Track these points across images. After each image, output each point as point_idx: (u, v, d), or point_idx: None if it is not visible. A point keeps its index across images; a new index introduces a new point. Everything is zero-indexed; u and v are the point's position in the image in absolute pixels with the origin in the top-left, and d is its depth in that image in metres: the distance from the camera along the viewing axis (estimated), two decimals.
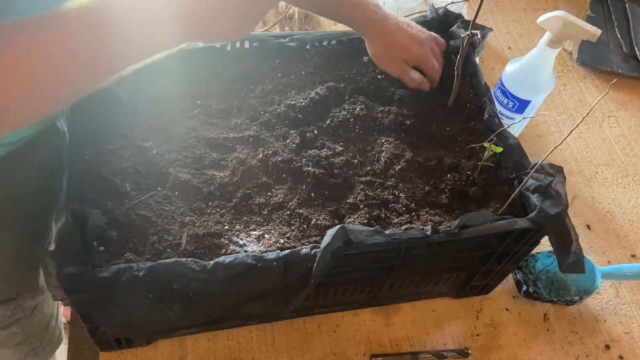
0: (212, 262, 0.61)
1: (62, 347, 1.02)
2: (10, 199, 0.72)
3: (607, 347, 0.85)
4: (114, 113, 0.76)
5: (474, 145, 0.81)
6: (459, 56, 0.80)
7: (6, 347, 0.88)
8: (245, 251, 0.68)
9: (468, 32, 0.77)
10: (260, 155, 0.77)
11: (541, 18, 0.84)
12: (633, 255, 0.95)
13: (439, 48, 0.87)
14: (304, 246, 0.65)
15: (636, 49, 1.20)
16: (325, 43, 0.91)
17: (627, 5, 1.28)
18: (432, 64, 0.85)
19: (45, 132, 0.72)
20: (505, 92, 0.93)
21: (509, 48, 1.21)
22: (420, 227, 0.70)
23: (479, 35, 0.81)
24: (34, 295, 0.85)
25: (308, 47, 0.90)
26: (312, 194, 0.74)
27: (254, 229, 0.71)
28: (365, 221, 0.71)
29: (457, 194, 0.77)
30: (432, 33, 0.88)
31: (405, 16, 1.11)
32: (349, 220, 0.72)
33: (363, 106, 0.83)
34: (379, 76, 0.88)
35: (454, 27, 0.91)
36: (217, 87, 0.84)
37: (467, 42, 0.78)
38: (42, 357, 0.96)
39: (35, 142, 0.71)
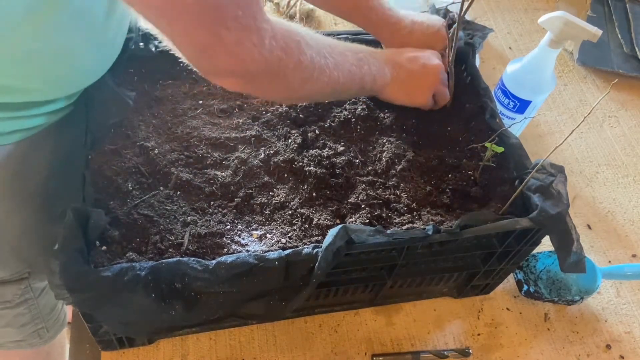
0: (214, 262, 0.61)
1: (64, 330, 1.02)
2: (27, 180, 0.72)
3: (608, 346, 0.85)
4: (116, 113, 0.76)
5: (475, 145, 0.81)
6: (448, 53, 0.81)
7: (11, 327, 0.88)
8: (247, 251, 0.68)
9: (453, 27, 0.78)
10: (262, 155, 0.77)
11: (542, 18, 0.84)
12: (634, 255, 0.95)
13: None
14: (305, 246, 0.65)
15: (637, 49, 1.20)
16: None
17: (627, 5, 1.28)
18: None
19: (65, 120, 0.72)
20: (506, 92, 0.93)
21: (510, 48, 1.22)
22: (422, 226, 0.71)
23: (465, 31, 0.82)
24: (43, 278, 0.85)
25: None
26: (314, 194, 0.74)
27: (256, 229, 0.71)
28: (367, 221, 0.71)
29: (458, 194, 0.77)
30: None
31: None
32: (351, 220, 0.72)
33: (364, 106, 0.83)
34: None
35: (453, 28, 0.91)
36: (219, 86, 0.84)
37: (454, 39, 0.80)
38: (45, 339, 0.95)
39: (55, 129, 0.72)
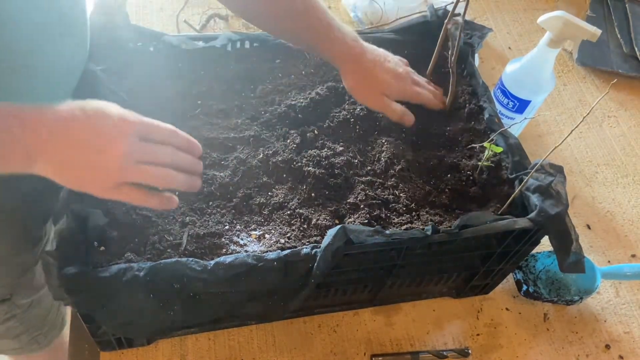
0: (212, 262, 0.61)
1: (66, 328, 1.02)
2: (5, 210, 0.72)
3: (607, 346, 0.85)
4: None
5: (474, 145, 0.81)
6: (451, 54, 0.81)
7: (6, 339, 0.89)
8: (246, 251, 0.68)
9: (446, 23, 0.78)
10: (261, 155, 0.77)
11: (541, 18, 0.84)
12: (633, 255, 0.95)
13: (418, 79, 0.85)
14: (304, 246, 0.65)
15: (636, 49, 1.20)
16: None
17: (627, 5, 1.28)
18: (417, 93, 0.82)
19: None
20: (505, 92, 0.93)
21: (509, 48, 1.21)
22: (421, 227, 0.71)
23: (460, 23, 0.81)
24: (29, 295, 0.85)
25: None
26: (313, 194, 0.74)
27: (255, 229, 0.71)
28: (366, 221, 0.71)
29: (457, 194, 0.77)
30: (409, 68, 0.85)
31: (405, 16, 1.11)
32: (350, 220, 0.72)
33: (363, 106, 0.83)
34: None
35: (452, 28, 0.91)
36: (218, 87, 0.84)
37: (458, 38, 0.79)
38: (43, 345, 0.96)
39: None
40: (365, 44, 0.81)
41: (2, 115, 0.51)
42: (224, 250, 0.68)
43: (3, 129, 0.51)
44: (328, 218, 0.72)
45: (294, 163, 0.76)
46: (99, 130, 0.54)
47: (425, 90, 0.83)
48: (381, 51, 0.82)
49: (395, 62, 0.83)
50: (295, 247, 0.67)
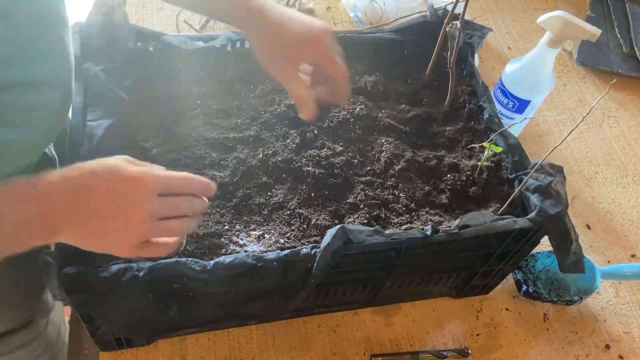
0: (212, 262, 0.61)
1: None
2: None
3: (607, 346, 0.85)
4: (114, 113, 0.76)
5: (474, 145, 0.81)
6: (450, 54, 0.80)
7: None
8: (246, 251, 0.68)
9: (446, 24, 0.77)
10: (261, 155, 0.77)
11: (541, 18, 0.84)
12: (633, 255, 0.95)
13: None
14: (304, 246, 0.65)
15: (636, 49, 1.20)
16: None
17: (627, 5, 1.28)
18: (333, 61, 0.68)
19: (37, 163, 0.69)
20: (505, 92, 0.93)
21: (509, 48, 1.21)
22: (420, 227, 0.71)
23: (459, 26, 0.81)
24: (46, 314, 0.86)
25: None
26: (312, 194, 0.74)
27: (254, 229, 0.71)
28: (365, 221, 0.71)
29: (457, 194, 0.77)
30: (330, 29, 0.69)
31: (405, 16, 1.11)
32: (349, 220, 0.72)
33: (363, 106, 0.83)
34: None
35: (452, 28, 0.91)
36: (218, 87, 0.84)
37: (457, 38, 0.79)
38: None
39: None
40: (275, 4, 0.68)
41: (15, 197, 0.50)
42: (224, 250, 0.68)
43: (19, 211, 0.50)
44: (328, 218, 0.72)
45: (294, 163, 0.76)
46: (117, 196, 0.52)
47: (343, 67, 0.69)
48: (293, 10, 0.69)
49: (310, 17, 0.69)
50: (295, 247, 0.67)
